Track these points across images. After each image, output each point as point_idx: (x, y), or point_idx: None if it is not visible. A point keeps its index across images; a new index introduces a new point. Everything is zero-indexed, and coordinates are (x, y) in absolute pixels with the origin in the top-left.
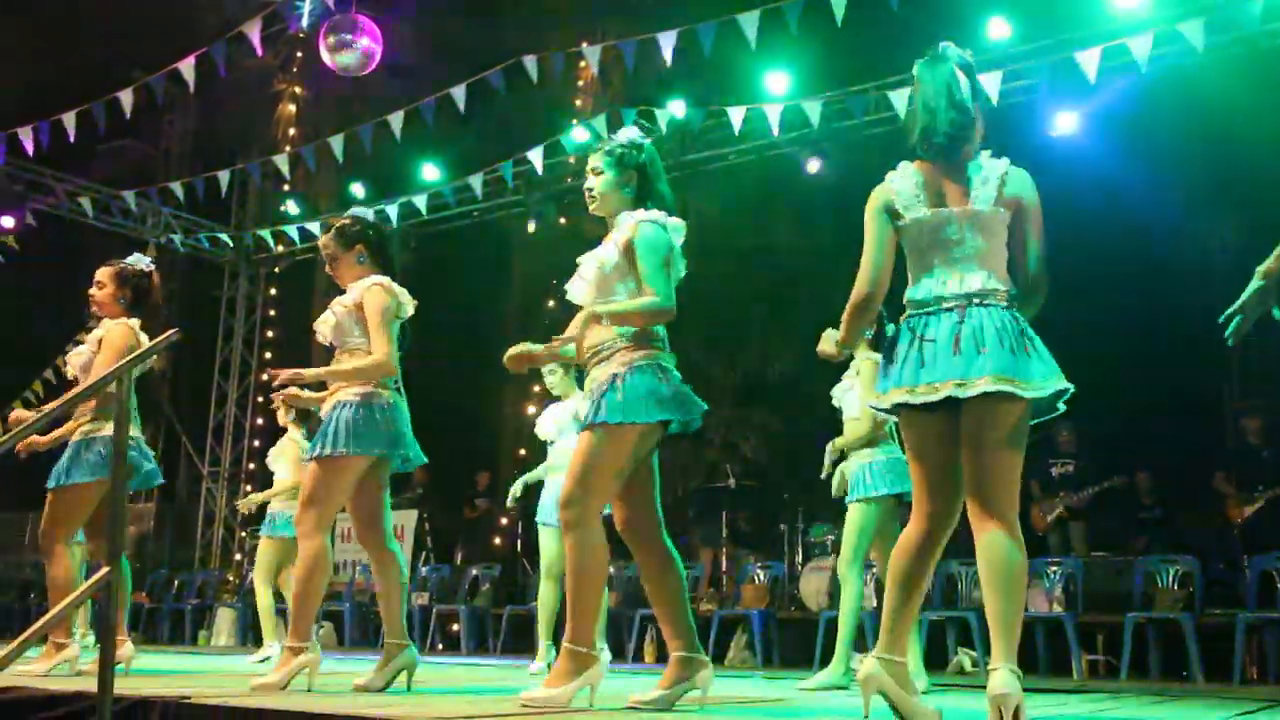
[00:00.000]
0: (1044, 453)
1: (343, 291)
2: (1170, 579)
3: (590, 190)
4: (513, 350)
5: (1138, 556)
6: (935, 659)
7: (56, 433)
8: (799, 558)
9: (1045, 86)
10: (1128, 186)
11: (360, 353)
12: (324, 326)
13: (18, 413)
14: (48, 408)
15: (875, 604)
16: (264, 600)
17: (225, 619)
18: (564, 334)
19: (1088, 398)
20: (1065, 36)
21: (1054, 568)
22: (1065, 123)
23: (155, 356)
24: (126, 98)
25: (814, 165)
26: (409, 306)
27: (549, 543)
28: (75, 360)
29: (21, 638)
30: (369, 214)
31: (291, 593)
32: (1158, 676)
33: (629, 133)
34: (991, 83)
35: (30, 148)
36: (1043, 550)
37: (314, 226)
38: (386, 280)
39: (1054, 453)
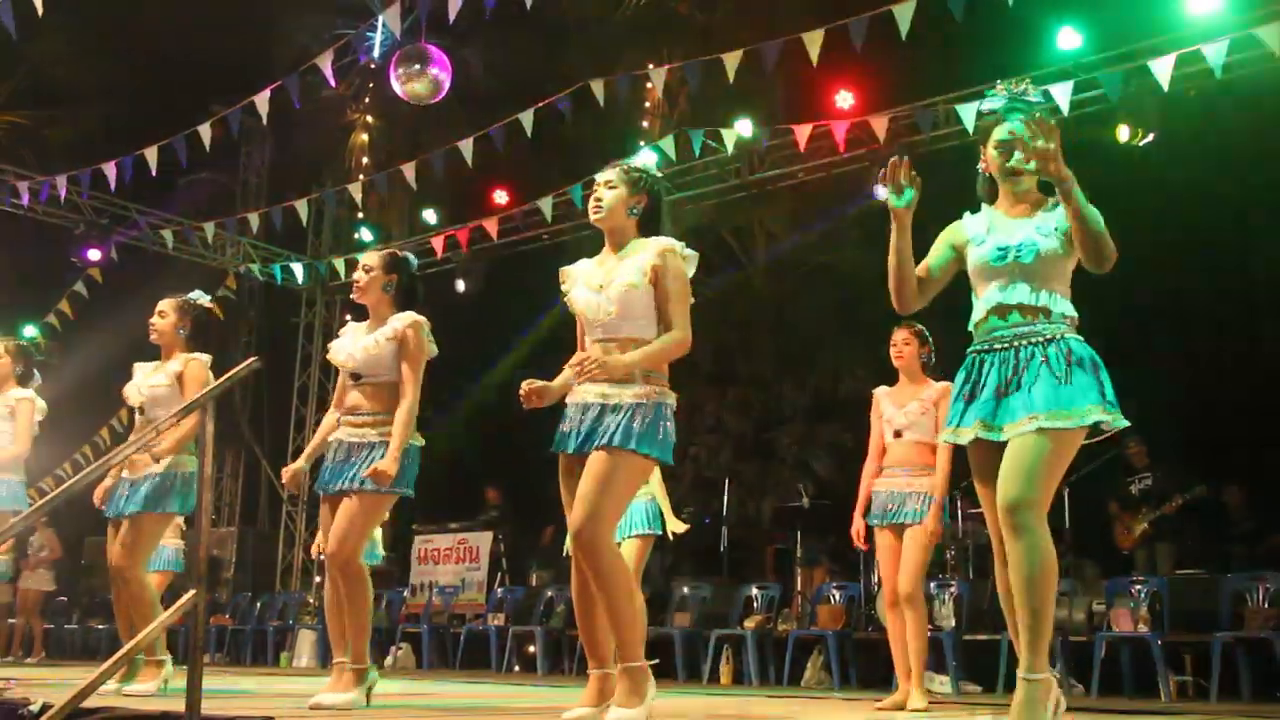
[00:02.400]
0: (1119, 470)
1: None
2: (1261, 597)
3: (599, 201)
4: (527, 386)
5: (1227, 574)
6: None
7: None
8: (875, 578)
9: (1117, 95)
10: (1203, 196)
11: (386, 387)
12: (359, 353)
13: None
14: (134, 441)
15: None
16: None
17: (305, 641)
18: (573, 361)
19: (1159, 410)
20: (1137, 45)
21: (1138, 586)
22: (1136, 132)
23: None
24: (205, 131)
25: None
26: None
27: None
28: (148, 393)
29: (113, 658)
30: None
31: (351, 621)
32: (1249, 698)
33: (648, 160)
34: (1062, 93)
35: (113, 182)
36: (1129, 569)
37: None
38: (424, 320)
39: (1129, 469)
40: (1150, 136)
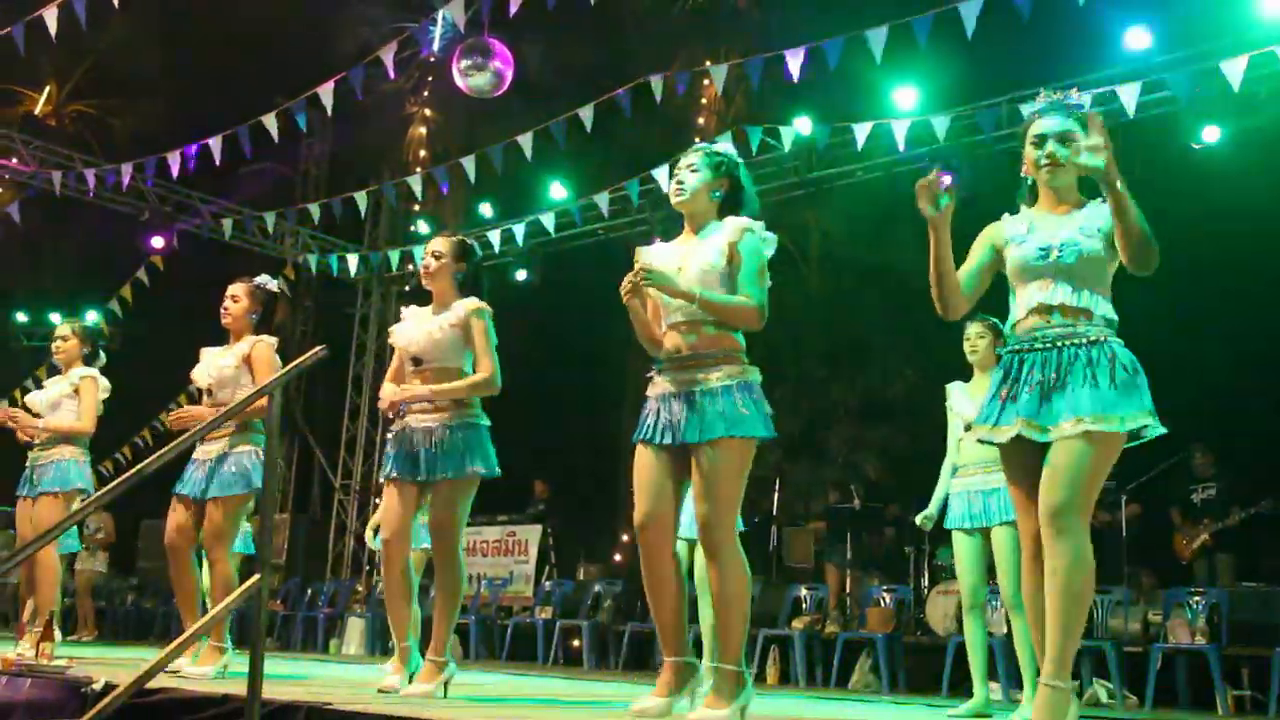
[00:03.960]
0: (1183, 478)
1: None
2: None
3: (682, 184)
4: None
5: None
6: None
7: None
8: (925, 581)
9: (1187, 97)
10: (1275, 197)
11: (449, 373)
12: (422, 338)
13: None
14: (204, 420)
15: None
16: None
17: (355, 628)
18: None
19: (1226, 418)
20: (1209, 46)
21: (1196, 598)
22: (1209, 134)
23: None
24: (270, 121)
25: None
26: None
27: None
28: (216, 375)
29: (179, 640)
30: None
31: (440, 610)
32: None
33: (727, 146)
34: (1129, 94)
35: (175, 170)
36: (1188, 579)
37: None
38: (486, 306)
39: (1192, 478)
40: (1219, 137)
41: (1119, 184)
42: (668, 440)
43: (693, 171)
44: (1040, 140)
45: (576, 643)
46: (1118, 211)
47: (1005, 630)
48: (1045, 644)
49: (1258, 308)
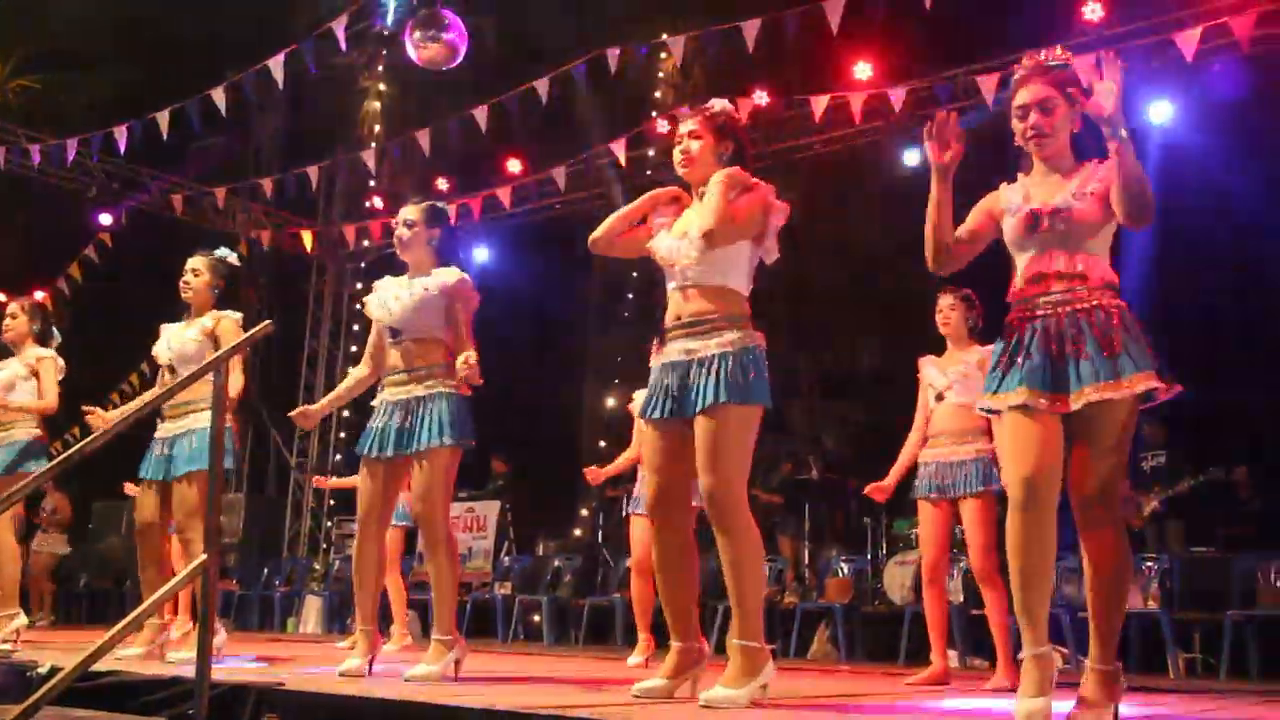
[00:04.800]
0: (1133, 446)
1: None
2: (1272, 575)
3: (687, 153)
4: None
5: (1237, 552)
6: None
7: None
8: (883, 551)
9: (1140, 70)
10: (1228, 173)
11: (440, 344)
12: (398, 308)
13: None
14: (147, 396)
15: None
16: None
17: (312, 607)
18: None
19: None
20: (1162, 18)
21: (1149, 563)
22: (1162, 108)
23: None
24: (219, 96)
25: (913, 158)
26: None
27: (642, 535)
28: (179, 350)
29: (122, 624)
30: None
31: (438, 587)
32: (1259, 677)
33: (723, 103)
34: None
35: (124, 146)
36: (1139, 546)
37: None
38: (468, 276)
39: (1143, 445)
40: (1174, 112)
41: (1122, 131)
42: (670, 413)
43: (695, 139)
44: (1023, 111)
45: (537, 618)
46: (1119, 157)
47: (961, 599)
48: (1093, 630)
49: (1204, 277)
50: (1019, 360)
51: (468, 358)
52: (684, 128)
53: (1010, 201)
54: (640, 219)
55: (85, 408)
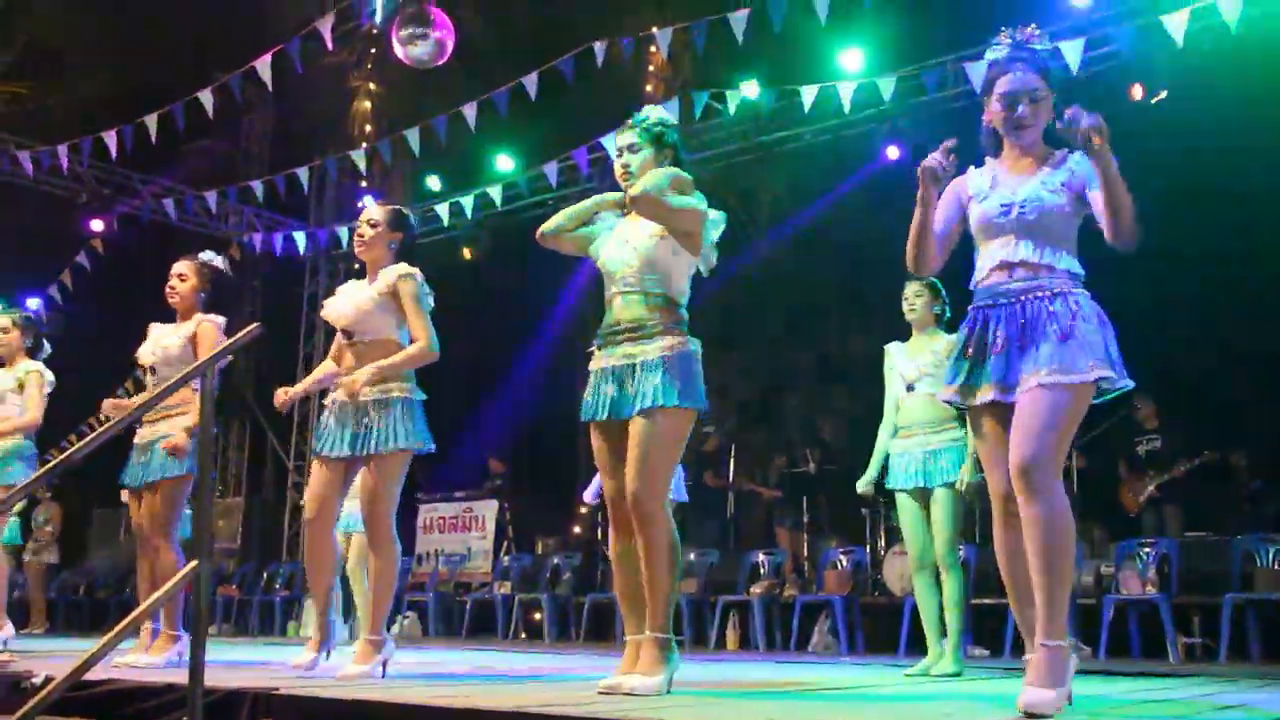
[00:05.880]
0: (1128, 430)
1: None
2: (1271, 558)
3: (628, 167)
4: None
5: (1235, 535)
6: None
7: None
8: (881, 542)
9: (1130, 53)
10: (1218, 153)
11: (393, 345)
12: (351, 310)
13: (111, 401)
14: (136, 399)
15: None
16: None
17: (313, 610)
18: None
19: (1170, 370)
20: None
21: (1147, 548)
22: (1150, 90)
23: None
24: (206, 98)
25: (893, 152)
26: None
27: None
28: (161, 353)
29: (114, 631)
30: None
31: (375, 589)
32: (1259, 659)
33: (659, 112)
34: (1073, 51)
35: (114, 150)
36: (1136, 531)
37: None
38: (415, 270)
39: (1138, 430)
40: (1164, 94)
41: (1113, 167)
42: (609, 416)
43: (634, 151)
44: (1010, 100)
45: (537, 616)
46: (1110, 189)
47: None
48: (1038, 606)
49: (1197, 260)
50: (985, 353)
51: (356, 379)
52: (622, 141)
53: (979, 188)
54: (588, 219)
55: (110, 400)
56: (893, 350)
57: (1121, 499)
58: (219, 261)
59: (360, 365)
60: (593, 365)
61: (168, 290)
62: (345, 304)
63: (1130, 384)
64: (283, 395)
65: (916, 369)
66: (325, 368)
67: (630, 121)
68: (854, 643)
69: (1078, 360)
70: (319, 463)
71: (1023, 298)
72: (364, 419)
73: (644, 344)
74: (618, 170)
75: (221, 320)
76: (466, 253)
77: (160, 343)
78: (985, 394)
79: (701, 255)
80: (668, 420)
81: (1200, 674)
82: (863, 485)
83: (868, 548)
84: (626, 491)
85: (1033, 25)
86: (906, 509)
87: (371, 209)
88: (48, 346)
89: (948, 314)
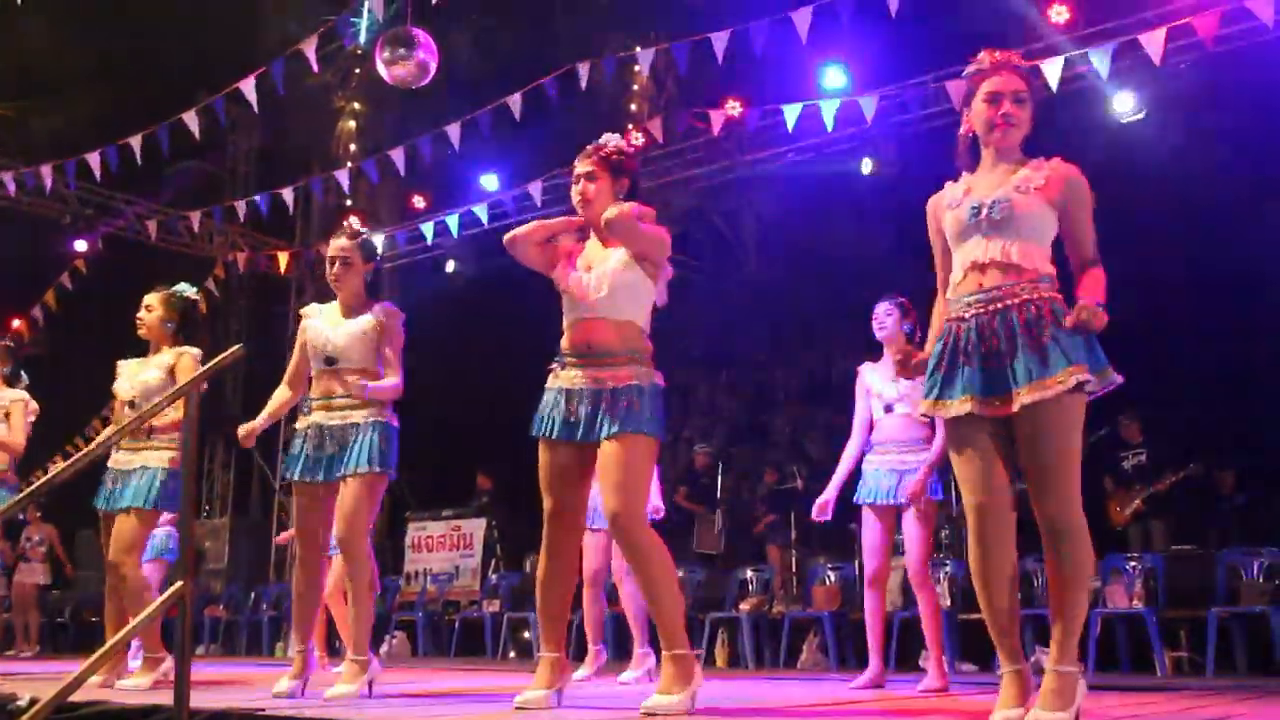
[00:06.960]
0: (1113, 445)
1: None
2: (1256, 571)
3: (584, 194)
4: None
5: (1220, 549)
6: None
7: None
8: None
9: (1108, 71)
10: (1194, 171)
11: (373, 375)
12: (341, 339)
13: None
14: (110, 430)
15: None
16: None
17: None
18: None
19: (1152, 385)
20: (1128, 19)
21: (1133, 563)
22: (1128, 108)
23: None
24: (191, 119)
25: (867, 166)
26: None
27: (593, 549)
28: (140, 388)
29: (98, 654)
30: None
31: (355, 609)
32: (1245, 673)
33: (616, 139)
34: (1052, 70)
35: (98, 171)
36: (1122, 545)
37: (377, 240)
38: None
39: (1123, 445)
40: (1142, 113)
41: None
42: (573, 436)
43: (592, 180)
44: (996, 98)
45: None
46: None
47: (949, 603)
48: (1056, 631)
49: (1181, 276)
50: (959, 367)
51: (363, 384)
52: (580, 169)
53: (953, 197)
54: (554, 235)
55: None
56: (865, 371)
57: (1107, 513)
58: (191, 292)
59: (344, 390)
60: (553, 384)
61: (136, 321)
62: (336, 333)
63: (1118, 378)
64: (245, 430)
65: (896, 390)
66: (281, 396)
67: (587, 150)
68: (843, 658)
69: (1055, 368)
70: (299, 492)
71: (993, 306)
72: (340, 440)
73: (614, 369)
74: (575, 197)
75: (198, 351)
76: (450, 265)
77: (138, 377)
78: (962, 406)
79: (659, 288)
80: (641, 445)
81: (1188, 687)
82: (816, 506)
83: (856, 563)
84: (609, 513)
85: (1012, 50)
86: (870, 525)
87: (341, 245)
88: (24, 375)
89: (919, 333)
